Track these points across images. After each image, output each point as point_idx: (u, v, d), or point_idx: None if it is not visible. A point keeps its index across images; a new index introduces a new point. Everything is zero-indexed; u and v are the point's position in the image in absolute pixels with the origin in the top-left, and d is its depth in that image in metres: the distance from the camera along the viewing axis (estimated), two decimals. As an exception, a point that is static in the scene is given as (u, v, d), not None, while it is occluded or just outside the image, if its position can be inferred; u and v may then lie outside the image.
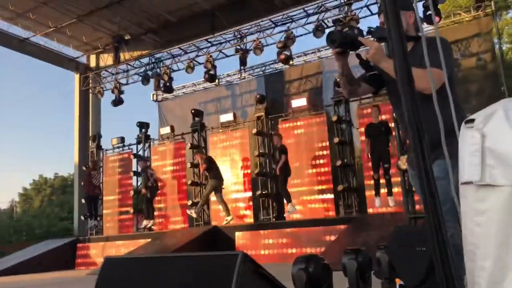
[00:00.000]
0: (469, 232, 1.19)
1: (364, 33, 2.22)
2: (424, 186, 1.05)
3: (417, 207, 6.17)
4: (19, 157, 66.93)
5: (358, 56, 2.29)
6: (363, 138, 9.19)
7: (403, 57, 1.11)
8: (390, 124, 8.35)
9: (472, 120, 1.22)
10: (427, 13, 8.09)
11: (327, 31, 10.81)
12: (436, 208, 1.03)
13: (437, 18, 8.41)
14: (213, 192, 10.06)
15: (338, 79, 9.33)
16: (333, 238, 7.57)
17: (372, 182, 8.63)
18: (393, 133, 8.17)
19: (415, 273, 2.13)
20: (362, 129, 9.26)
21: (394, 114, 6.66)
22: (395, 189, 8.17)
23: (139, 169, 11.61)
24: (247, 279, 1.64)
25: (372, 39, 2.24)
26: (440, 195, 1.05)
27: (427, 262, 2.07)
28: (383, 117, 8.67)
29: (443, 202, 1.11)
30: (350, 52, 2.28)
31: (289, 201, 9.24)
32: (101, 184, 12.39)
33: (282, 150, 9.40)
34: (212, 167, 10.08)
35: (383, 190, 8.30)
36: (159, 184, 11.35)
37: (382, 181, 8.31)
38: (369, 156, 8.52)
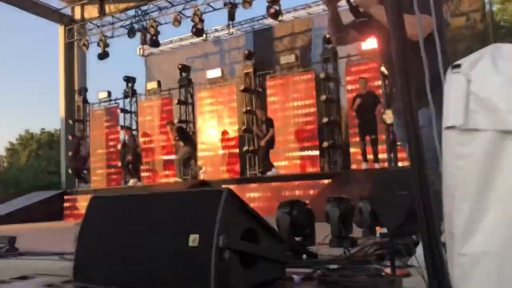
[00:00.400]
0: (449, 176, 1.21)
1: None
2: (410, 132, 1.10)
3: (399, 164, 6.31)
4: (5, 112, 65.80)
5: (348, 1, 2.27)
6: (349, 95, 9.24)
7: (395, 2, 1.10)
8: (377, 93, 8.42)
9: (459, 65, 1.23)
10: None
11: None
12: (420, 154, 1.08)
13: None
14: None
15: (328, 36, 9.26)
16: (317, 192, 7.74)
17: (357, 139, 8.77)
18: (381, 101, 8.25)
19: (395, 216, 2.21)
20: (350, 87, 9.29)
21: (381, 68, 6.67)
22: (379, 146, 8.32)
23: (126, 138, 11.51)
24: (233, 214, 1.69)
25: None
26: (423, 143, 1.08)
27: (407, 205, 2.14)
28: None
29: (426, 149, 1.13)
30: None
31: (269, 170, 9.38)
32: (88, 155, 12.33)
33: (270, 124, 9.41)
34: (186, 136, 10.24)
35: (370, 156, 8.51)
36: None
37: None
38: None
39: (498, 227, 1.11)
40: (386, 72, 4.96)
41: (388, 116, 5.11)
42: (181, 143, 10.40)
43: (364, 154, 8.50)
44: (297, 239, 2.74)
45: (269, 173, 9.29)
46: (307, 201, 6.55)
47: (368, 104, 8.30)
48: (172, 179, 10.98)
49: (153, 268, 1.72)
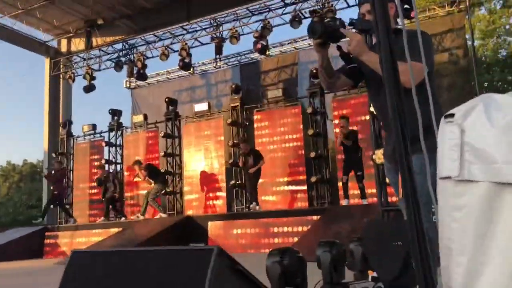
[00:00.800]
0: (446, 228, 1.18)
1: (346, 24, 2.19)
2: (405, 182, 1.04)
3: (389, 199, 6.26)
4: (-15, 143, 64.88)
5: (339, 48, 2.25)
6: (337, 130, 9.27)
7: (389, 49, 1.09)
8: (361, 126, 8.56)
9: (452, 115, 1.20)
10: (404, 6, 8.17)
11: (304, 21, 10.81)
12: (417, 205, 1.03)
13: (412, 12, 8.50)
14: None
15: (314, 71, 9.41)
16: (305, 229, 7.62)
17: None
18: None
19: (390, 267, 2.13)
20: (336, 121, 9.33)
21: (370, 108, 6.72)
22: (368, 181, 8.32)
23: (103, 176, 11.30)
24: (222, 274, 1.60)
25: (354, 31, 2.20)
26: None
27: (403, 256, 2.07)
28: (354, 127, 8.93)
29: (419, 196, 1.11)
30: (331, 44, 2.23)
31: (255, 201, 9.31)
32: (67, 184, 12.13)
33: (259, 155, 9.41)
34: (155, 173, 10.18)
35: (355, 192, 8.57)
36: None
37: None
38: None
39: (497, 281, 1.07)
40: (375, 112, 4.98)
41: (378, 157, 5.09)
42: (152, 181, 10.32)
43: (345, 190, 8.55)
44: (289, 289, 2.63)
45: (252, 206, 9.28)
46: (296, 239, 6.44)
47: (352, 143, 8.39)
48: (133, 217, 10.79)
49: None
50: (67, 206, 12.01)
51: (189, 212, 10.42)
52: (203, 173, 10.98)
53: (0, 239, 10.78)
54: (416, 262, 1.00)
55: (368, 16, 2.33)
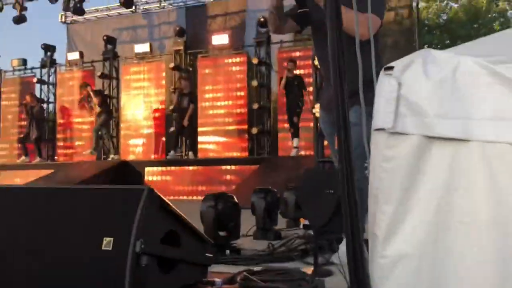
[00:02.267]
0: (375, 177, 1.22)
1: None
2: (340, 132, 1.06)
3: (326, 152, 6.41)
4: None
5: None
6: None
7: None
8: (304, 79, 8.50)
9: (391, 68, 1.22)
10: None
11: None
12: (349, 155, 1.05)
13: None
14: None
15: (262, 19, 9.19)
16: (244, 177, 7.71)
17: (285, 125, 8.89)
18: (307, 89, 8.37)
19: (321, 214, 2.18)
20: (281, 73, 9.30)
21: (314, 61, 6.71)
22: (306, 133, 8.48)
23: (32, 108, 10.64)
24: (153, 215, 1.55)
25: None
26: (353, 141, 1.06)
27: (334, 204, 2.12)
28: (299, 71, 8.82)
29: (355, 147, 1.12)
30: None
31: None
32: None
33: (192, 99, 9.16)
34: (106, 102, 9.78)
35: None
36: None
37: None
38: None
39: (416, 229, 1.14)
40: (318, 63, 5.00)
41: (318, 110, 5.13)
42: (98, 109, 9.81)
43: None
44: (222, 233, 2.64)
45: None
46: (233, 187, 6.50)
47: (294, 87, 8.37)
48: (86, 152, 10.36)
49: (61, 272, 1.53)
50: None
51: (129, 157, 10.17)
52: (141, 118, 10.68)
53: None
54: (345, 210, 1.02)
55: None
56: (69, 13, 13.22)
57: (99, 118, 9.90)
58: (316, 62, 6.78)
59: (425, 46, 18.15)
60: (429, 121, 1.13)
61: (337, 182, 1.11)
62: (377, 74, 1.26)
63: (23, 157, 10.74)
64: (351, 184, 1.04)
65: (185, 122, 9.10)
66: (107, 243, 1.48)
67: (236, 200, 2.77)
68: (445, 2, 19.77)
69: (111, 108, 10.78)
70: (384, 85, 1.21)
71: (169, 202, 1.66)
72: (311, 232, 2.87)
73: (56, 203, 1.66)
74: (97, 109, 9.89)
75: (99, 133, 9.98)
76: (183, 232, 1.71)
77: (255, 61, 9.52)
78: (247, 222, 3.22)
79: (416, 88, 1.17)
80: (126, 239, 1.45)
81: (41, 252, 1.56)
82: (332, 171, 3.16)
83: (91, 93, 9.90)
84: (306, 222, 3.60)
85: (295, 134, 8.47)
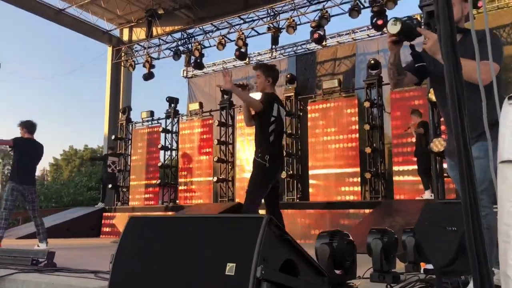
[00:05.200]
0: (505, 213, 1.15)
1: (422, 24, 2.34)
2: (462, 165, 0.99)
3: (447, 196, 6.02)
4: (52, 128, 68.72)
5: (412, 47, 2.37)
6: (394, 123, 9.03)
7: (452, 42, 1.03)
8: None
9: None
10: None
11: (363, 12, 10.55)
12: (473, 188, 0.98)
13: (480, 2, 8.07)
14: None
15: (372, 61, 9.12)
16: (357, 221, 7.49)
17: (400, 168, 8.55)
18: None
19: (443, 253, 2.05)
20: (394, 114, 9.07)
21: (429, 94, 6.43)
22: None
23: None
24: (272, 243, 1.60)
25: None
26: (478, 174, 1.01)
27: (457, 243, 1.98)
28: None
29: (480, 181, 1.07)
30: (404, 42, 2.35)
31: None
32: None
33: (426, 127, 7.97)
34: None
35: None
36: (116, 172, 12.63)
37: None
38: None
39: None
40: (434, 99, 4.83)
41: (436, 144, 4.87)
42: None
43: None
44: (337, 271, 2.60)
45: (425, 195, 7.91)
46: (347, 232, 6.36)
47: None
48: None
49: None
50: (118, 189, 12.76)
51: (241, 200, 10.52)
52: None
53: (62, 217, 11.43)
54: (470, 249, 0.94)
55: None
56: (190, 68, 14.50)
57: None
58: (430, 95, 6.49)
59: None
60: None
61: (460, 219, 1.06)
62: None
63: (99, 203, 12.48)
64: (477, 220, 0.96)
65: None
66: (230, 268, 1.57)
67: (351, 238, 2.73)
68: None
69: (225, 153, 11.34)
70: (508, 115, 1.17)
71: (287, 232, 1.71)
72: (433, 276, 2.70)
73: (186, 230, 1.80)
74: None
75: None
76: (301, 262, 1.73)
77: (366, 104, 9.37)
78: (363, 265, 3.11)
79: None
80: (248, 265, 1.52)
81: (173, 274, 1.69)
82: (454, 206, 2.97)
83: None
84: (428, 267, 3.37)
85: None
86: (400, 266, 3.71)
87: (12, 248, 5.14)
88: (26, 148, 6.71)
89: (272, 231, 1.62)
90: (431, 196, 7.28)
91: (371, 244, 3.25)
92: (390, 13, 10.35)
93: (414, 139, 8.43)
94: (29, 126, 6.80)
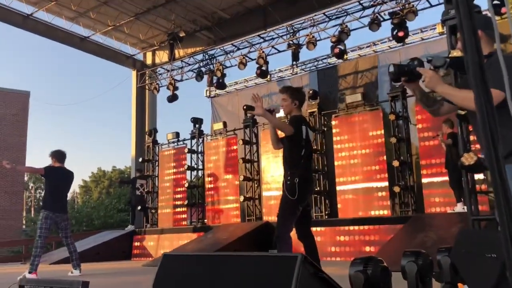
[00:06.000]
0: None
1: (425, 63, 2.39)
2: (497, 190, 0.96)
3: (479, 207, 5.86)
4: (81, 151, 70.32)
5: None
6: (421, 135, 8.88)
7: (477, 52, 1.02)
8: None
9: None
10: (493, 2, 7.66)
11: (383, 24, 10.51)
12: (510, 210, 0.94)
13: (503, 8, 7.93)
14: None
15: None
16: (388, 237, 7.36)
17: (429, 180, 8.40)
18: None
19: (483, 282, 2.00)
20: (420, 126, 8.93)
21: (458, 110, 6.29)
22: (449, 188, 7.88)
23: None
24: (307, 281, 1.59)
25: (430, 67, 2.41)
26: None
27: (498, 270, 1.93)
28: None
29: None
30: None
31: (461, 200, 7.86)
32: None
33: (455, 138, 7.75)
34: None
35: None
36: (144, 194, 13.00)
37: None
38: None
39: None
40: (462, 113, 4.75)
41: (466, 158, 4.75)
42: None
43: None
44: (373, 299, 2.55)
45: (457, 208, 7.73)
46: (377, 248, 6.23)
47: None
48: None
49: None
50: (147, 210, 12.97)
51: (268, 218, 10.48)
52: (281, 179, 11.01)
53: (93, 241, 11.61)
54: (511, 278, 0.94)
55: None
56: (212, 88, 14.67)
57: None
58: (459, 111, 6.37)
59: None
60: None
61: (499, 245, 1.04)
62: None
63: (129, 226, 12.73)
64: None
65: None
66: (267, 308, 1.56)
67: (385, 264, 2.68)
68: None
69: (251, 171, 11.36)
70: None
71: (321, 269, 1.70)
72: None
73: (220, 269, 1.81)
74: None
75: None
76: (338, 299, 1.72)
77: (392, 117, 9.26)
78: (397, 286, 3.05)
79: None
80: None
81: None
82: (491, 230, 2.89)
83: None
84: (465, 287, 3.27)
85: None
86: (436, 286, 3.63)
87: (47, 278, 5.24)
88: (57, 177, 6.90)
89: (307, 270, 1.61)
90: (464, 208, 7.09)
91: (406, 267, 3.18)
92: (410, 25, 10.28)
93: (443, 150, 8.27)
94: (59, 156, 7.02)
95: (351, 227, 8.22)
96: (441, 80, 2.33)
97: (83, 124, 71.46)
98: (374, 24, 10.32)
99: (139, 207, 12.58)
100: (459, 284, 3.51)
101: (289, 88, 4.59)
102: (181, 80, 14.18)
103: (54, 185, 6.86)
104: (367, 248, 7.81)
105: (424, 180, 8.76)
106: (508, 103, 1.43)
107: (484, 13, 6.47)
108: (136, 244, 11.58)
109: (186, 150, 12.48)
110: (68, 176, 7.11)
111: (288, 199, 4.09)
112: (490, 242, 2.11)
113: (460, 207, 7.47)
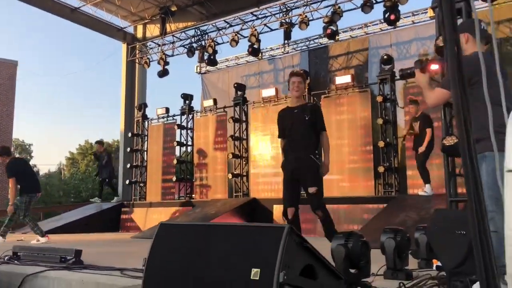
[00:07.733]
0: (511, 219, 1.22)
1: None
2: (467, 173, 1.06)
3: (459, 190, 6.10)
4: (68, 123, 69.64)
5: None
6: (407, 117, 9.07)
7: (455, 47, 1.11)
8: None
9: None
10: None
11: (375, 6, 10.56)
12: (479, 196, 1.04)
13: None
14: None
15: (385, 56, 9.13)
16: (371, 216, 7.61)
17: (413, 162, 8.64)
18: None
19: (453, 256, 2.19)
20: (407, 109, 9.10)
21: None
22: (437, 171, 8.09)
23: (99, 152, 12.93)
24: (292, 250, 1.75)
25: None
26: (486, 184, 1.08)
27: (466, 245, 2.12)
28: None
29: (488, 189, 1.14)
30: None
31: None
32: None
33: (428, 122, 8.03)
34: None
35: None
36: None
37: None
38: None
39: None
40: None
41: (447, 140, 4.93)
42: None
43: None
44: (352, 271, 2.74)
45: (424, 191, 7.80)
46: (361, 226, 6.45)
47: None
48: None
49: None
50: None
51: (255, 195, 10.69)
52: (268, 158, 11.18)
53: (82, 212, 11.73)
54: (476, 252, 1.01)
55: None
56: (203, 64, 14.65)
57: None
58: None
59: None
60: None
61: (468, 223, 1.15)
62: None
63: (95, 198, 12.78)
64: (482, 225, 1.01)
65: (422, 148, 8.05)
66: (255, 273, 1.72)
67: (365, 239, 2.86)
68: None
69: (240, 149, 11.50)
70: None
71: (307, 240, 1.86)
72: (444, 273, 2.82)
73: (213, 238, 1.96)
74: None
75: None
76: (319, 267, 1.88)
77: (379, 99, 9.45)
78: (377, 261, 3.25)
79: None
80: (271, 270, 1.67)
81: (202, 278, 1.86)
82: (464, 210, 3.09)
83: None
84: (439, 264, 3.49)
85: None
86: (413, 262, 3.84)
87: (41, 246, 5.39)
88: (21, 167, 7.55)
89: (293, 239, 1.77)
90: (431, 190, 7.50)
91: (385, 243, 3.39)
92: (402, 8, 10.36)
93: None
94: (6, 151, 7.61)
95: (335, 205, 8.44)
96: (425, 81, 2.86)
97: (72, 96, 70.60)
98: (367, 6, 10.37)
99: (106, 179, 12.50)
100: (434, 260, 3.74)
101: (304, 74, 4.96)
102: (172, 55, 14.13)
103: (23, 174, 7.42)
104: (351, 227, 8.06)
105: (408, 162, 9.00)
106: (485, 92, 1.53)
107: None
108: (124, 216, 11.74)
109: (175, 126, 12.55)
110: (25, 161, 8.17)
111: (319, 173, 4.77)
112: (461, 221, 2.29)
113: (429, 189, 7.70)
